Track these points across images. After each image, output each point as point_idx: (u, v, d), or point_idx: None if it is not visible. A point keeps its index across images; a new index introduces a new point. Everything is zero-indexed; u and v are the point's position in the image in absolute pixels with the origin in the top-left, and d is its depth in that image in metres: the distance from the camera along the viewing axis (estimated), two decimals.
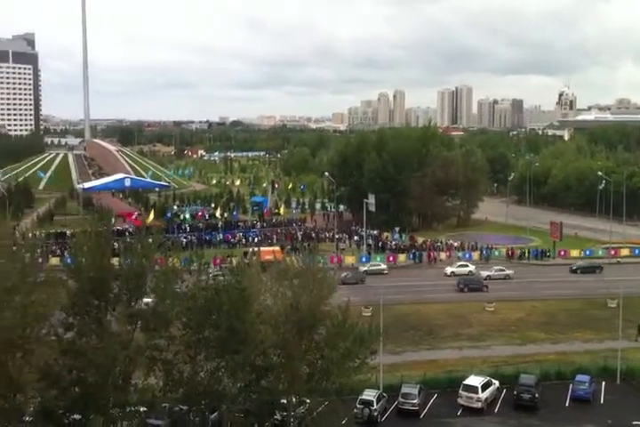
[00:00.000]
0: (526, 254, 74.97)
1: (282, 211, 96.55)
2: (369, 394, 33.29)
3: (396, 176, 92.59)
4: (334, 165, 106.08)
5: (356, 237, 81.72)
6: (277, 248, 68.32)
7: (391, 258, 72.33)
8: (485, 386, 35.41)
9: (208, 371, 26.76)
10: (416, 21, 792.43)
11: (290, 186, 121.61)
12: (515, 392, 35.46)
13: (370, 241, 79.01)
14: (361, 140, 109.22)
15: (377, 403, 33.05)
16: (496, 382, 36.48)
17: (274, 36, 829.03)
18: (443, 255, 74.46)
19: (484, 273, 64.65)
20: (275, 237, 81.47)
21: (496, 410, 35.09)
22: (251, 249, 68.94)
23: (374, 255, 73.27)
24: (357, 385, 30.23)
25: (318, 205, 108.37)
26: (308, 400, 28.46)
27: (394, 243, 79.84)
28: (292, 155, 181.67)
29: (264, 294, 28.51)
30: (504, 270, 65.41)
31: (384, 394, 34.33)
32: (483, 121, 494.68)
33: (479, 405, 34.68)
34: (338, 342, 27.63)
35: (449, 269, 66.13)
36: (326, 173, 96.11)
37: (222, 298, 26.62)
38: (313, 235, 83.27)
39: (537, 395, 35.11)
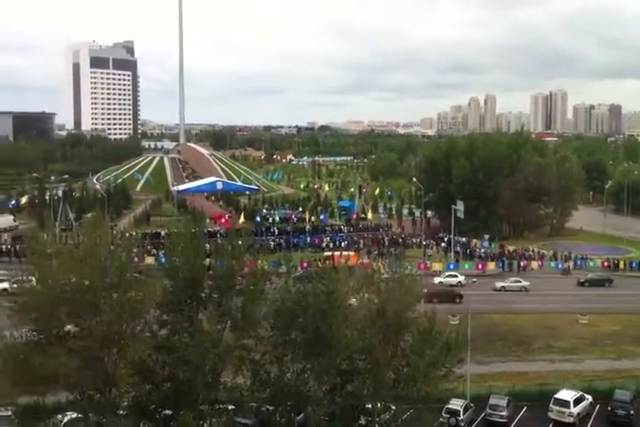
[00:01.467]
0: (623, 266, 71.73)
1: (369, 216, 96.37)
2: (456, 404, 32.72)
3: (486, 182, 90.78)
4: (422, 170, 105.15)
5: (443, 244, 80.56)
6: (352, 253, 68.71)
7: (480, 266, 70.93)
8: (578, 401, 34.13)
9: (294, 372, 26.99)
10: (507, 24, 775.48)
11: (377, 191, 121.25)
12: (609, 408, 34.04)
13: (458, 248, 77.74)
14: (450, 145, 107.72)
15: (464, 413, 32.44)
16: (589, 398, 35.10)
17: (361, 41, 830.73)
18: (534, 264, 72.35)
19: (499, 284, 62.23)
20: (361, 241, 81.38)
21: (589, 426, 33.73)
22: (326, 253, 69.50)
23: (462, 263, 72.02)
24: (444, 394, 29.78)
25: (405, 211, 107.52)
26: (393, 407, 28.25)
27: (483, 251, 78.22)
28: (379, 160, 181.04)
29: (350, 298, 28.52)
30: (520, 282, 62.76)
31: (471, 404, 33.66)
32: (578, 127, 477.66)
33: (571, 420, 33.46)
34: (424, 349, 27.29)
35: (437, 280, 63.35)
36: (414, 179, 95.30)
37: (309, 301, 26.81)
38: (400, 241, 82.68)
39: (632, 412, 33.55)
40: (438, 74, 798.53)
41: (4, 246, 76.01)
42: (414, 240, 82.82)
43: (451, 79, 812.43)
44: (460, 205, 75.57)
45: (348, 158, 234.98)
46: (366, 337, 27.40)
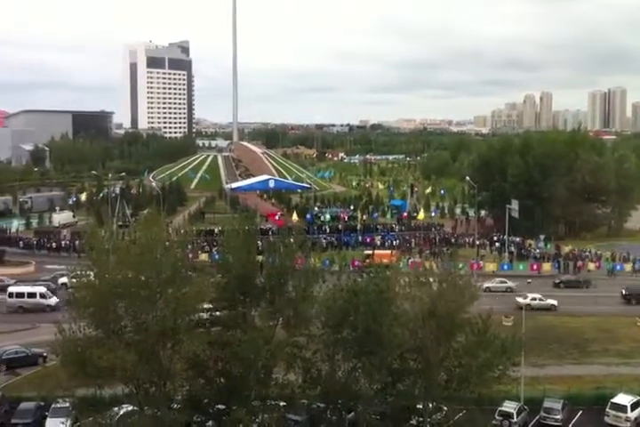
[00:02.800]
0: None
1: (421, 215, 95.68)
2: (509, 406, 32.22)
3: (541, 181, 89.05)
4: (476, 169, 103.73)
5: (497, 244, 79.34)
6: (393, 251, 68.59)
7: (535, 267, 69.62)
8: (635, 405, 33.23)
9: (345, 371, 26.99)
10: (563, 20, 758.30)
11: (429, 190, 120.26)
12: None
13: (512, 248, 76.45)
14: (504, 143, 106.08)
15: (517, 416, 31.92)
16: None
17: (414, 38, 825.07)
18: (591, 266, 70.62)
19: (485, 285, 59.54)
20: (413, 240, 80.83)
21: None
22: (367, 252, 69.36)
23: (516, 263, 70.81)
24: (497, 396, 29.40)
25: (458, 210, 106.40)
26: (445, 407, 27.98)
27: (538, 251, 76.70)
28: (431, 158, 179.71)
29: (402, 297, 28.33)
30: (506, 282, 61.25)
31: (525, 407, 33.09)
32: (637, 125, 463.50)
33: (627, 425, 32.65)
34: (477, 350, 26.90)
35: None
36: (467, 178, 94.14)
37: (360, 300, 26.76)
38: (452, 240, 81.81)
39: None
40: (492, 71, 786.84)
41: (63, 242, 78.23)
42: (467, 240, 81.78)
43: (505, 76, 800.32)
44: (514, 205, 74.27)
45: (400, 157, 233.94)
46: (418, 337, 27.22)
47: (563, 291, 61.08)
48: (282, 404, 27.30)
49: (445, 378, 27.23)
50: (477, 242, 77.94)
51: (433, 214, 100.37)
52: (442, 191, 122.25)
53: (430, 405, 27.58)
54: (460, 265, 31.91)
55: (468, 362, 26.74)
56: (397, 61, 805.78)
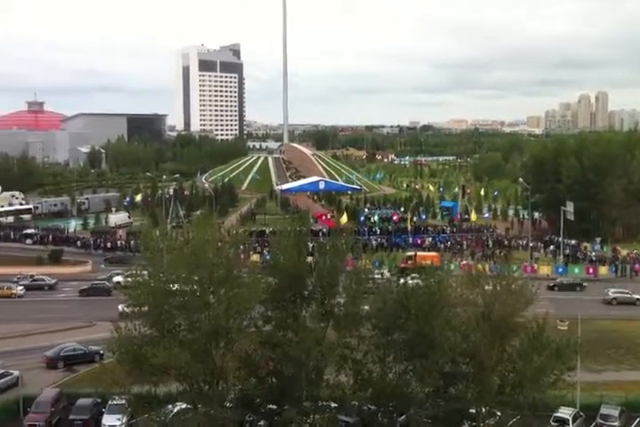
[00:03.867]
0: None
1: (472, 217, 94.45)
2: (564, 412, 31.52)
3: (597, 183, 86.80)
4: (529, 170, 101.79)
5: (551, 247, 77.73)
6: (435, 253, 67.78)
7: (591, 270, 67.99)
8: None
9: (396, 373, 26.85)
10: (620, 18, 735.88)
11: (481, 191, 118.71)
12: None
13: (567, 251, 74.82)
14: (559, 144, 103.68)
15: (573, 422, 31.20)
16: None
17: (463, 37, 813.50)
18: None
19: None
20: (465, 242, 79.88)
21: None
22: (409, 253, 68.70)
23: (571, 267, 69.28)
24: (552, 402, 28.72)
25: (511, 212, 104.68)
26: (498, 413, 27.53)
27: (594, 254, 74.86)
28: (483, 159, 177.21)
29: (454, 300, 28.02)
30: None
31: (581, 413, 32.31)
32: None
33: None
34: (532, 355, 26.41)
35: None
36: (520, 179, 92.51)
37: (411, 302, 26.58)
38: (505, 242, 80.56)
39: None
40: (546, 70, 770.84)
41: (119, 242, 79.99)
42: (520, 242, 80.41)
43: (559, 75, 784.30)
44: (569, 207, 72.70)
45: (451, 158, 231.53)
46: (470, 340, 26.87)
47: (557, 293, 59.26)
48: (333, 405, 27.30)
49: (499, 382, 26.79)
50: (531, 244, 76.58)
51: (485, 216, 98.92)
52: (494, 193, 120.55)
53: (483, 409, 27.18)
54: (514, 268, 31.30)
55: (522, 366, 26.26)
56: (448, 61, 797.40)
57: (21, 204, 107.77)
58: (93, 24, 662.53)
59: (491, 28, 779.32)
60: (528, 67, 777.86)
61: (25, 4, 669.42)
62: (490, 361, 26.41)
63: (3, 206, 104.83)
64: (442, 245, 78.11)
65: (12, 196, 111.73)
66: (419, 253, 66.68)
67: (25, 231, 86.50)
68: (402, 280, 29.83)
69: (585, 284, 62.51)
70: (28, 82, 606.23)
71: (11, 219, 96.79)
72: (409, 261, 63.17)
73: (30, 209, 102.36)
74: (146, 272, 26.05)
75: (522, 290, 27.59)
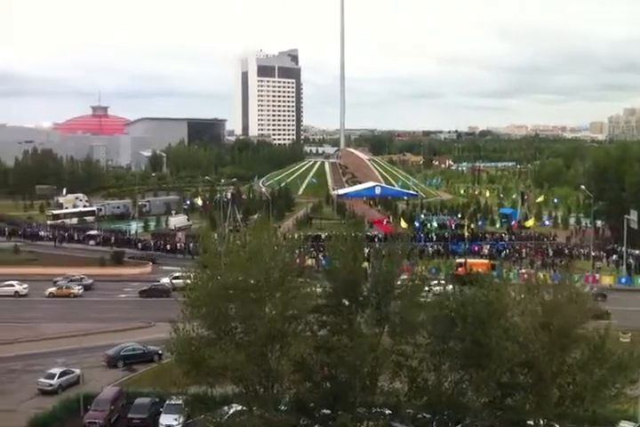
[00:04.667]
0: None
1: (531, 224, 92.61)
2: (626, 426, 30.53)
3: None
4: (591, 177, 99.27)
5: (614, 256, 75.56)
6: (485, 261, 66.73)
7: None
8: None
9: (452, 382, 26.48)
10: None
11: (541, 198, 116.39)
12: None
13: (630, 261, 72.56)
14: (622, 150, 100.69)
15: None
16: None
17: (523, 41, 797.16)
18: None
19: None
20: (523, 250, 78.41)
21: None
22: (459, 260, 67.71)
23: (635, 277, 67.16)
24: (613, 415, 27.94)
25: (572, 220, 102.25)
26: (557, 425, 26.86)
27: None
28: (544, 166, 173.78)
29: (512, 309, 27.51)
30: None
31: None
32: None
33: None
34: (593, 367, 25.66)
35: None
36: (582, 186, 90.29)
37: (467, 310, 26.22)
38: (565, 251, 78.71)
39: None
40: (610, 74, 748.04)
41: (178, 244, 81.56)
42: (581, 251, 78.46)
43: (624, 80, 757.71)
44: (633, 215, 70.69)
45: (510, 164, 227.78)
46: (529, 351, 26.30)
47: None
48: (387, 412, 27.16)
49: (558, 394, 26.15)
50: (593, 254, 74.65)
51: (546, 223, 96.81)
52: (555, 200, 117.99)
53: (541, 422, 26.54)
54: (576, 277, 30.51)
55: (582, 379, 25.54)
56: (508, 65, 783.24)
57: (85, 206, 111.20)
58: (156, 30, 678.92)
59: (554, 30, 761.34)
60: (592, 71, 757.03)
61: (91, 11, 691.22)
62: (549, 372, 25.79)
63: (67, 208, 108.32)
64: (502, 253, 76.90)
65: (77, 198, 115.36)
66: (469, 261, 65.88)
67: (88, 233, 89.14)
68: (454, 287, 29.38)
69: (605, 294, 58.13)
70: (92, 86, 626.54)
71: (75, 220, 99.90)
72: (459, 269, 62.52)
73: (94, 211, 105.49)
74: (204, 275, 26.45)
75: (583, 300, 26.90)
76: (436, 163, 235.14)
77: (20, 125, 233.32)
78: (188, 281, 27.35)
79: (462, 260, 67.30)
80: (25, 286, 63.36)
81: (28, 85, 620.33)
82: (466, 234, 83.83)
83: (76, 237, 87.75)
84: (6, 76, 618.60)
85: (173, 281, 62.64)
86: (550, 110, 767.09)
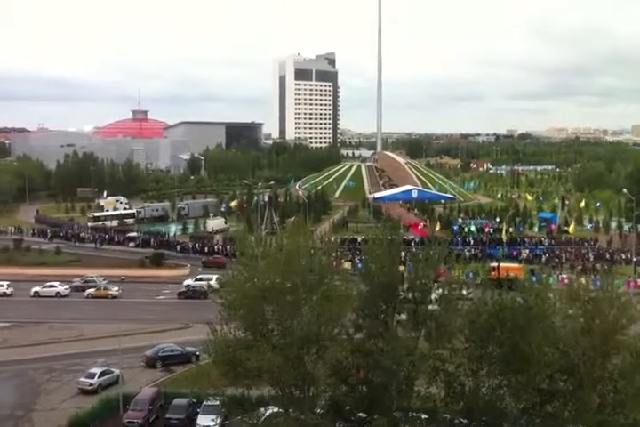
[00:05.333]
0: None
1: (572, 228, 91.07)
2: None
3: None
4: (634, 180, 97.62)
5: None
6: (518, 265, 65.64)
7: None
8: None
9: (490, 387, 26.16)
10: None
11: (582, 202, 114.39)
12: None
13: None
14: None
15: None
16: None
17: (564, 42, 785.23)
18: None
19: None
20: (563, 255, 77.13)
21: None
22: (493, 264, 66.73)
23: None
24: None
25: (614, 224, 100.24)
26: None
27: None
28: (585, 169, 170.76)
29: (552, 315, 27.08)
30: None
31: None
32: None
33: None
34: (635, 374, 25.14)
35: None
36: (624, 190, 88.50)
37: (506, 315, 25.90)
38: (607, 256, 77.20)
39: None
40: None
41: (216, 247, 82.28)
42: (623, 256, 76.86)
43: None
44: None
45: (550, 167, 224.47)
46: (569, 357, 25.89)
47: None
48: (424, 417, 26.97)
49: (598, 402, 25.67)
50: (635, 258, 73.05)
51: (589, 227, 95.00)
52: (596, 204, 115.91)
53: None
54: (618, 283, 29.91)
55: (623, 386, 25.08)
56: (547, 67, 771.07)
57: (125, 208, 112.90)
58: (195, 36, 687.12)
59: (595, 32, 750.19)
60: (635, 72, 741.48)
61: (132, 19, 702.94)
62: (590, 379, 25.35)
63: (108, 211, 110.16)
64: (542, 258, 75.82)
65: (117, 200, 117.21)
66: (502, 265, 65.04)
67: (128, 235, 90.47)
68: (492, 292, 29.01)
69: None
70: (133, 91, 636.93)
71: (115, 223, 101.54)
72: (492, 273, 61.76)
73: (134, 213, 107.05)
74: (241, 277, 26.64)
75: (625, 306, 26.36)
76: (474, 166, 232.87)
77: (63, 129, 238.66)
78: (226, 283, 27.55)
79: (496, 264, 66.48)
80: (66, 286, 64.67)
81: (72, 91, 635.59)
82: (504, 238, 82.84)
83: (116, 239, 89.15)
84: (51, 83, 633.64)
85: (195, 283, 64.00)
86: (591, 113, 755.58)
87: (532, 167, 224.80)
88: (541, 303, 26.50)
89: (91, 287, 64.31)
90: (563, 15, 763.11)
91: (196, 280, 65.54)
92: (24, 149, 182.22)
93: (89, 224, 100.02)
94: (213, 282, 64.15)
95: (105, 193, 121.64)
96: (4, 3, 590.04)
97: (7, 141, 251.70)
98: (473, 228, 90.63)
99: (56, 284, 64.58)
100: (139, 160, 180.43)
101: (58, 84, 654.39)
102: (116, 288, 64.17)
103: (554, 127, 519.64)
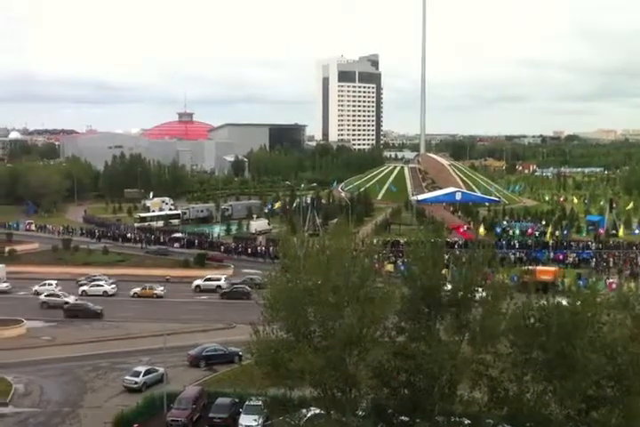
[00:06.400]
0: None
1: (620, 232, 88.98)
2: None
3: None
4: None
5: None
6: (555, 268, 64.27)
7: None
8: None
9: (535, 393, 25.73)
10: None
11: (631, 205, 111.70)
12: None
13: None
14: None
15: None
16: None
17: (612, 43, 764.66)
18: None
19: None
20: (611, 260, 75.46)
21: None
22: (529, 267, 65.44)
23: None
24: None
25: None
26: None
27: None
28: (634, 172, 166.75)
29: (599, 320, 26.52)
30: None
31: None
32: None
33: None
34: None
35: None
36: None
37: (552, 320, 25.47)
38: None
39: None
40: None
41: (259, 248, 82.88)
42: None
43: None
44: None
45: (598, 170, 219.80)
46: (617, 363, 25.32)
47: None
48: (466, 422, 26.68)
49: None
50: None
51: (636, 232, 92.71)
52: None
53: None
54: None
55: None
56: (596, 68, 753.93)
57: (171, 209, 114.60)
58: (240, 38, 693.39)
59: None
60: None
61: (178, 22, 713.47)
62: (638, 386, 24.76)
63: (154, 211, 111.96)
64: (589, 262, 74.39)
65: (163, 201, 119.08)
66: (537, 268, 63.82)
67: (173, 235, 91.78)
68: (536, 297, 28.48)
69: None
70: (179, 94, 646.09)
71: (161, 223, 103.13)
72: (526, 276, 60.65)
73: (179, 214, 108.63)
74: (284, 278, 26.77)
75: None
76: (520, 168, 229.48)
77: (111, 131, 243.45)
78: (269, 284, 27.73)
79: (530, 267, 65.39)
80: (113, 285, 65.95)
81: (119, 93, 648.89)
82: (550, 241, 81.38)
83: (161, 240, 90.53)
84: (99, 85, 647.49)
85: (203, 283, 66.01)
86: None
87: (579, 170, 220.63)
88: (589, 309, 26.00)
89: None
90: (608, 15, 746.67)
91: (206, 281, 66.79)
92: (73, 151, 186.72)
93: (135, 225, 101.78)
94: (222, 282, 65.92)
95: (151, 194, 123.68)
96: (47, 7, 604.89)
97: (57, 143, 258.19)
98: (517, 231, 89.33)
99: (103, 283, 65.91)
100: (184, 162, 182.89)
101: (105, 86, 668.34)
102: (162, 288, 65.17)
103: (602, 129, 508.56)
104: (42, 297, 61.03)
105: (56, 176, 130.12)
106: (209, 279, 67.12)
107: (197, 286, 66.45)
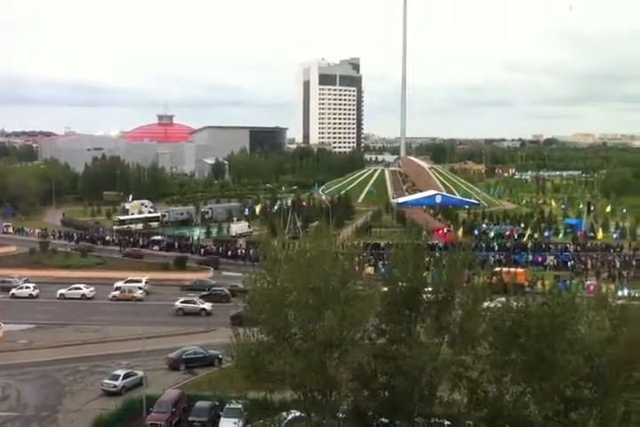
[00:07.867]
0: None
1: (598, 235, 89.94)
2: None
3: None
4: None
5: None
6: (521, 270, 64.75)
7: None
8: None
9: (514, 394, 25.92)
10: None
11: (608, 209, 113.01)
12: None
13: None
14: None
15: None
16: None
17: (591, 47, 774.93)
18: None
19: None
20: (589, 262, 76.25)
21: None
22: (496, 269, 65.82)
23: None
24: None
25: None
26: None
27: None
28: (611, 175, 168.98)
29: (578, 322, 26.77)
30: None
31: None
32: None
33: None
34: None
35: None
36: None
37: (531, 322, 25.65)
38: (633, 263, 76.14)
39: None
40: None
41: (239, 251, 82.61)
42: None
43: None
44: None
45: (576, 173, 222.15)
46: (594, 365, 25.56)
47: None
48: (446, 423, 26.80)
49: (624, 410, 25.32)
50: None
51: (615, 237, 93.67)
52: (623, 210, 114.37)
53: None
54: None
55: None
56: (575, 72, 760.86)
57: (150, 212, 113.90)
58: (219, 41, 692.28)
59: (625, 37, 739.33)
60: None
61: (158, 25, 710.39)
62: (615, 387, 25.03)
63: (133, 214, 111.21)
64: (567, 264, 75.12)
65: (142, 204, 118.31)
66: (504, 270, 64.10)
67: (153, 238, 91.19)
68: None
69: None
70: (158, 96, 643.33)
71: (140, 226, 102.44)
72: (493, 278, 60.73)
73: (158, 217, 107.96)
74: (264, 281, 26.70)
75: None
76: (499, 171, 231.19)
77: (90, 133, 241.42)
78: (250, 287, 27.64)
79: (497, 269, 65.71)
80: (91, 289, 65.33)
81: (98, 96, 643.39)
82: (528, 244, 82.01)
83: (140, 243, 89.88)
84: (78, 88, 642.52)
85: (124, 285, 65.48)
86: (618, 118, 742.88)
87: (557, 173, 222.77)
88: (567, 310, 26.22)
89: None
90: (592, 21, 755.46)
91: (127, 282, 66.41)
92: (51, 153, 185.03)
93: (114, 227, 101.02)
94: (143, 284, 65.66)
95: (130, 197, 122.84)
96: (31, 9, 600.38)
97: (35, 145, 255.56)
98: (493, 233, 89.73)
99: (82, 286, 65.28)
100: (164, 164, 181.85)
101: (84, 88, 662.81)
102: (141, 291, 64.69)
103: (580, 133, 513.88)
104: (177, 304, 59.31)
105: (34, 179, 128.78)
106: (130, 281, 66.33)
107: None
